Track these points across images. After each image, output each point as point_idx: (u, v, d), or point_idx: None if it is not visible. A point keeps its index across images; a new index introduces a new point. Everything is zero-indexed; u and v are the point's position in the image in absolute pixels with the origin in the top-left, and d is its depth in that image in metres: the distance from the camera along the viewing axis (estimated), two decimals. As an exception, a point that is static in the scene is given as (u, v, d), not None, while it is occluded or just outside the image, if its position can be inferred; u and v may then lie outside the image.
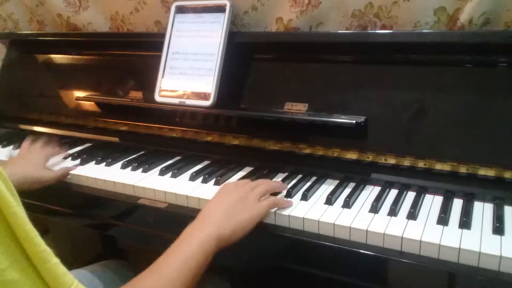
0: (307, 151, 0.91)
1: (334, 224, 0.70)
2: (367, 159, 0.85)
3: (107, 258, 0.99)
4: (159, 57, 1.04)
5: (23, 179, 0.89)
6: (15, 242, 0.43)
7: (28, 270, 0.44)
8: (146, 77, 1.08)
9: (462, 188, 0.78)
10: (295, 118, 0.90)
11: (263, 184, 0.79)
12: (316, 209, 0.75)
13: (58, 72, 1.28)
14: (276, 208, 0.76)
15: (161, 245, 0.69)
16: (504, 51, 0.78)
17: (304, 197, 0.79)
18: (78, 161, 1.03)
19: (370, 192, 0.82)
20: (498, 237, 0.64)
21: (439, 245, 0.63)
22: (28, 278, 0.44)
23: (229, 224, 0.68)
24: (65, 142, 1.16)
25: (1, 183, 0.42)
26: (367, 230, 0.68)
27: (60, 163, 1.03)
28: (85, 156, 1.04)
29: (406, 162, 0.82)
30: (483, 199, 0.76)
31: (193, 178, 0.90)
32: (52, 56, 1.30)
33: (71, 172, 0.97)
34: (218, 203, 0.73)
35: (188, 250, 0.62)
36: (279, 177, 0.89)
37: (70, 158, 1.05)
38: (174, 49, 1.02)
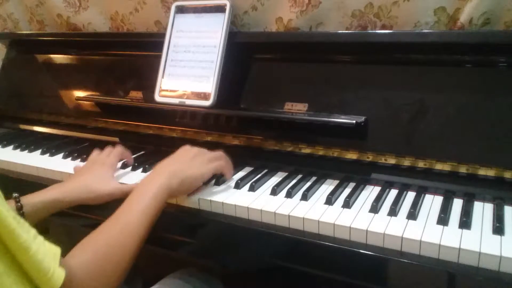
0: (307, 151, 0.91)
1: (334, 224, 0.70)
2: (367, 159, 0.85)
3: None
4: (159, 57, 1.04)
5: (86, 194, 0.81)
6: None
7: (11, 263, 0.45)
8: (146, 77, 1.08)
9: (462, 188, 0.78)
10: (295, 118, 0.90)
11: (217, 153, 0.85)
12: (316, 209, 0.75)
13: (58, 72, 1.28)
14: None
15: (160, 244, 0.69)
16: (504, 51, 0.78)
17: (304, 197, 0.79)
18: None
19: (370, 192, 0.82)
20: (498, 237, 0.64)
21: (439, 245, 0.63)
22: (12, 270, 0.45)
23: (177, 179, 0.75)
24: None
25: None
26: (367, 230, 0.68)
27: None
28: (85, 155, 1.04)
29: (406, 162, 0.82)
30: (483, 199, 0.76)
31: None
32: (52, 56, 1.30)
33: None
34: (172, 160, 0.80)
35: (145, 200, 0.69)
36: (279, 177, 0.89)
37: (69, 158, 1.05)
38: (174, 49, 1.03)
